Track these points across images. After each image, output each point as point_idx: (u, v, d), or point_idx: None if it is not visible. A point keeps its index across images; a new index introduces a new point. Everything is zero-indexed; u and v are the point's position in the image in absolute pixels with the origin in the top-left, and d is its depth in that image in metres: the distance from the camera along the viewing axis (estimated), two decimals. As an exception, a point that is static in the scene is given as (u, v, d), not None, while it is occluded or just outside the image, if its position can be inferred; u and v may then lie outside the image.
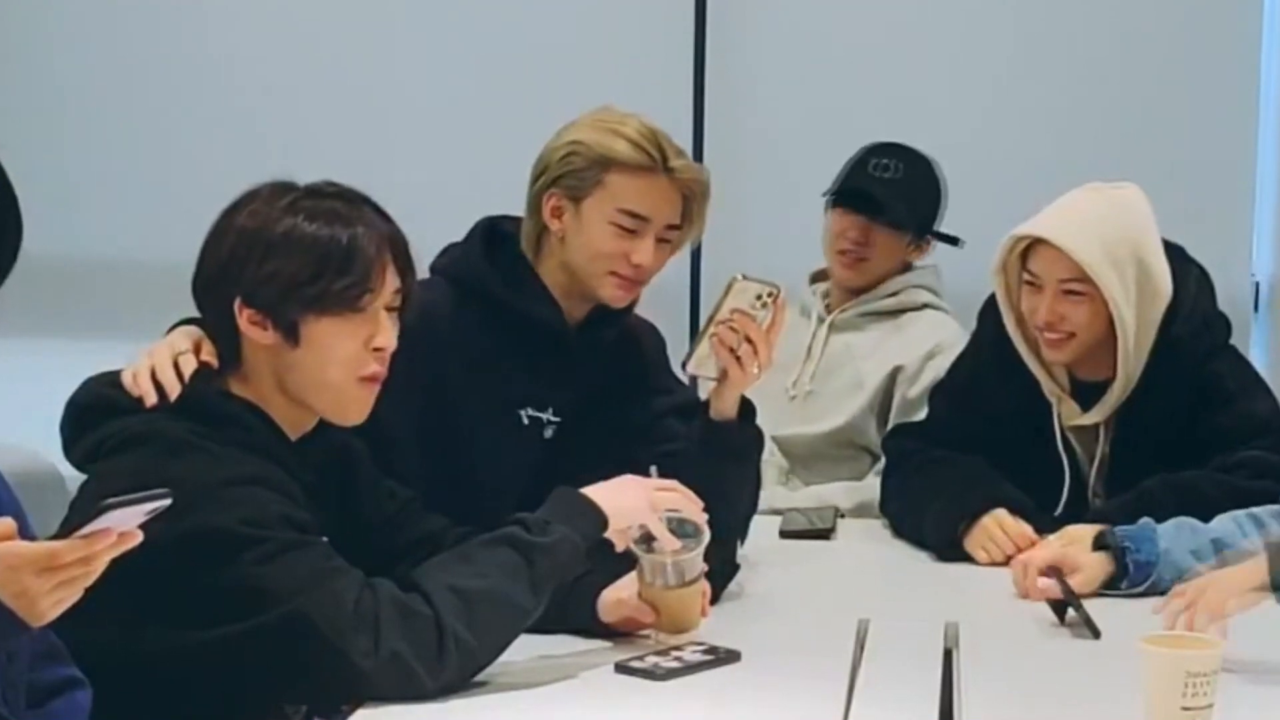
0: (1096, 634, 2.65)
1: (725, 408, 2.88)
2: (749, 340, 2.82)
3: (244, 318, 2.36)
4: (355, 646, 2.25)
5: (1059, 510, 3.21)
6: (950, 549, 3.14)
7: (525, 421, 2.96)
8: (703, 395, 3.02)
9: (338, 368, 2.38)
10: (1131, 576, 2.87)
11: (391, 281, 2.40)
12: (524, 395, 2.95)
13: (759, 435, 2.96)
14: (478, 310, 2.94)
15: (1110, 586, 2.87)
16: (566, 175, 2.92)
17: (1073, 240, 3.10)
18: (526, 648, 2.43)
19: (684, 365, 2.89)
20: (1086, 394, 3.23)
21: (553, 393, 2.97)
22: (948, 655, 2.55)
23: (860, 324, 3.84)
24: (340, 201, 2.39)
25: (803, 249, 4.70)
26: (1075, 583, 2.78)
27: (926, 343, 3.73)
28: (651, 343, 3.13)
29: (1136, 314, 3.14)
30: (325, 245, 2.34)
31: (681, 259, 4.65)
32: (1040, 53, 4.76)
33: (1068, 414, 3.24)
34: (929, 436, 3.40)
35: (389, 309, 2.41)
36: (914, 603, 2.91)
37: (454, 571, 2.38)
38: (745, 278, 2.82)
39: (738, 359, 2.82)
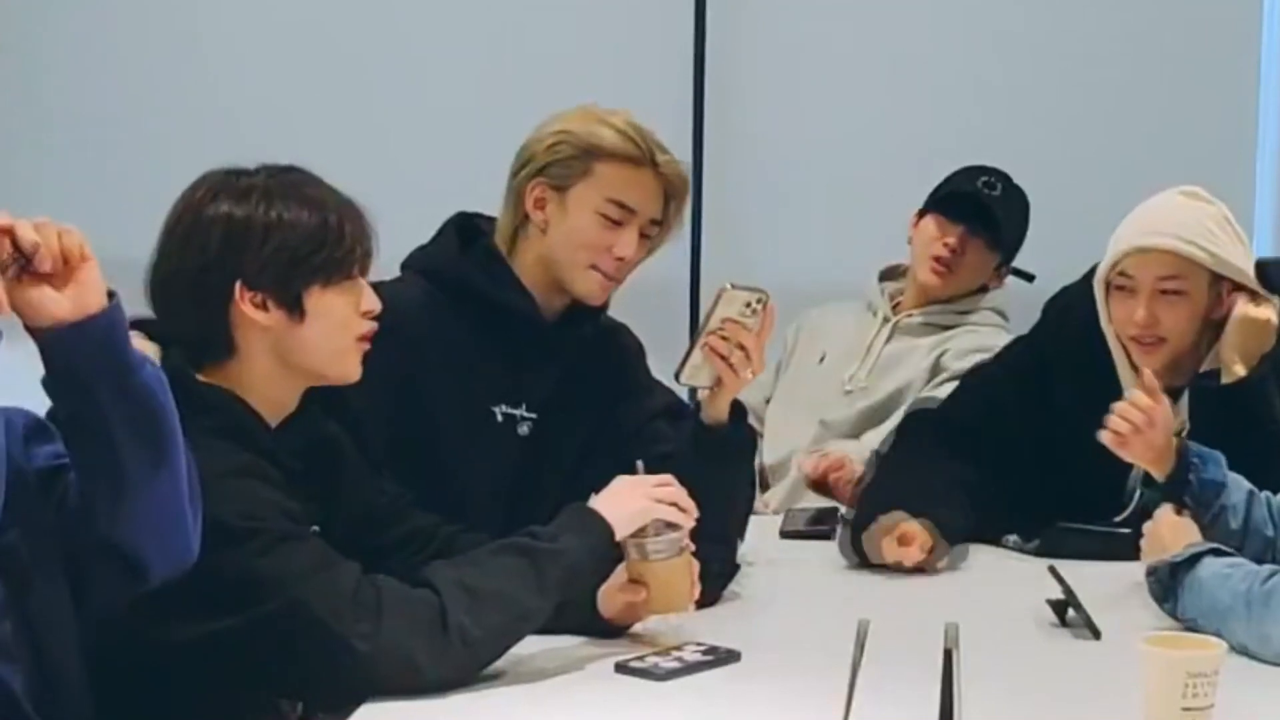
0: (1096, 634, 2.65)
1: (718, 412, 2.88)
2: (741, 347, 2.82)
3: (245, 301, 2.37)
4: (355, 631, 2.26)
5: (1124, 515, 3.20)
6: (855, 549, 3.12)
7: (499, 419, 2.95)
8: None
9: (341, 334, 2.43)
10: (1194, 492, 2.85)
11: (366, 245, 2.45)
12: (497, 391, 2.94)
13: (752, 436, 2.97)
14: (451, 304, 2.93)
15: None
16: (553, 164, 2.92)
17: (1177, 240, 3.08)
18: (527, 647, 2.43)
19: (677, 376, 2.89)
20: None
21: (526, 387, 2.96)
22: (948, 655, 2.54)
23: (922, 331, 3.85)
24: (300, 175, 2.44)
25: (801, 248, 4.72)
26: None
27: (976, 341, 3.73)
28: (627, 342, 3.13)
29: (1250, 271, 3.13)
30: (320, 217, 2.39)
31: (681, 259, 4.71)
32: (1038, 53, 4.76)
33: None
34: (947, 427, 3.34)
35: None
36: (914, 603, 2.91)
37: (462, 570, 2.40)
38: (734, 286, 2.84)
39: (731, 366, 2.83)
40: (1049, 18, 4.76)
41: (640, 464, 2.62)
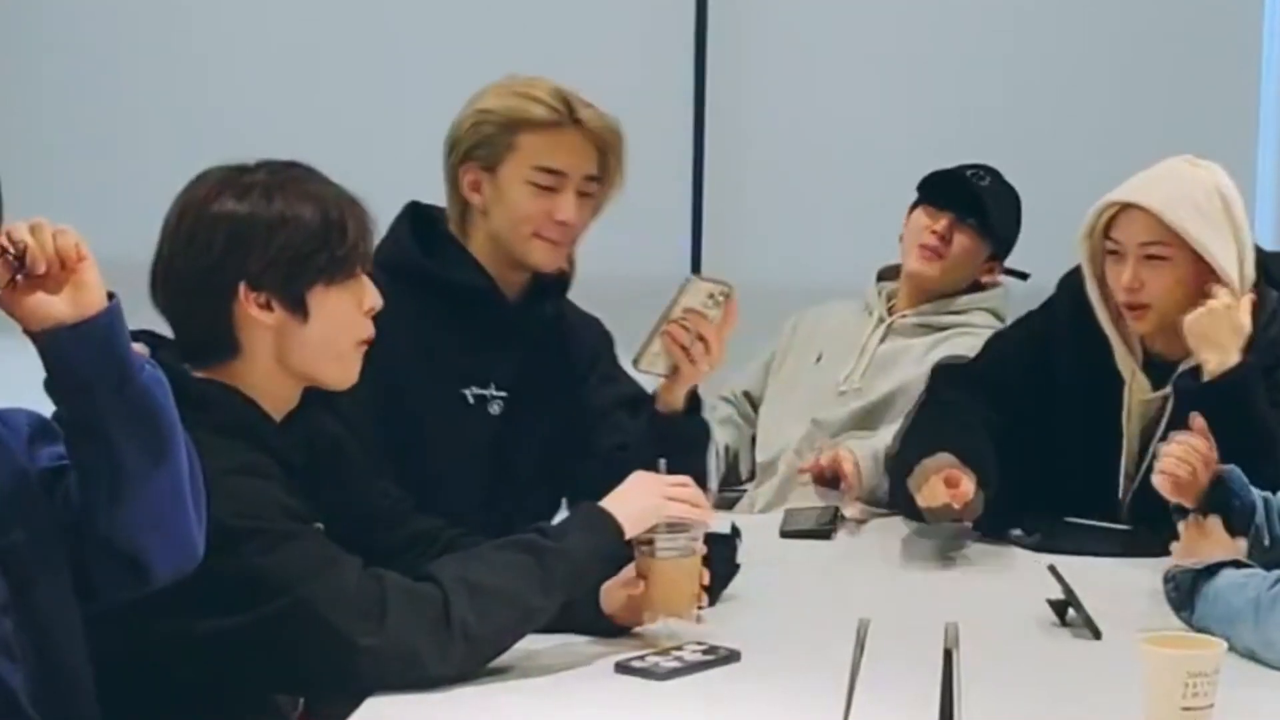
0: (1097, 634, 2.65)
1: (674, 401, 2.92)
2: (701, 338, 2.83)
3: (249, 302, 2.36)
4: (359, 628, 2.27)
5: (1123, 494, 3.23)
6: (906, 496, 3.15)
7: (470, 401, 2.97)
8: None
9: (344, 335, 2.43)
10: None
11: (367, 243, 2.44)
12: (465, 374, 2.97)
13: (705, 428, 2.99)
14: (412, 294, 2.93)
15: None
16: (478, 145, 2.95)
17: (1156, 200, 3.10)
18: (528, 645, 2.43)
19: (635, 362, 2.91)
20: (1158, 372, 3.21)
21: (493, 366, 2.98)
22: (948, 655, 2.54)
23: (916, 331, 3.85)
24: (301, 170, 2.43)
25: (802, 247, 4.72)
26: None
27: (971, 344, 3.73)
28: (597, 330, 3.16)
29: (1238, 265, 3.12)
30: (323, 214, 2.38)
31: (681, 257, 4.71)
32: (1039, 52, 4.76)
33: (1138, 389, 3.21)
34: (975, 384, 3.38)
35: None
36: (914, 603, 2.91)
37: (466, 566, 2.41)
38: (699, 277, 2.86)
39: (689, 357, 2.84)
40: (1050, 19, 4.76)
41: (663, 463, 2.62)
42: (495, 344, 2.97)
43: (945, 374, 3.49)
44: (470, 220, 2.99)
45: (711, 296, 2.85)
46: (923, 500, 3.07)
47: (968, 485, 3.04)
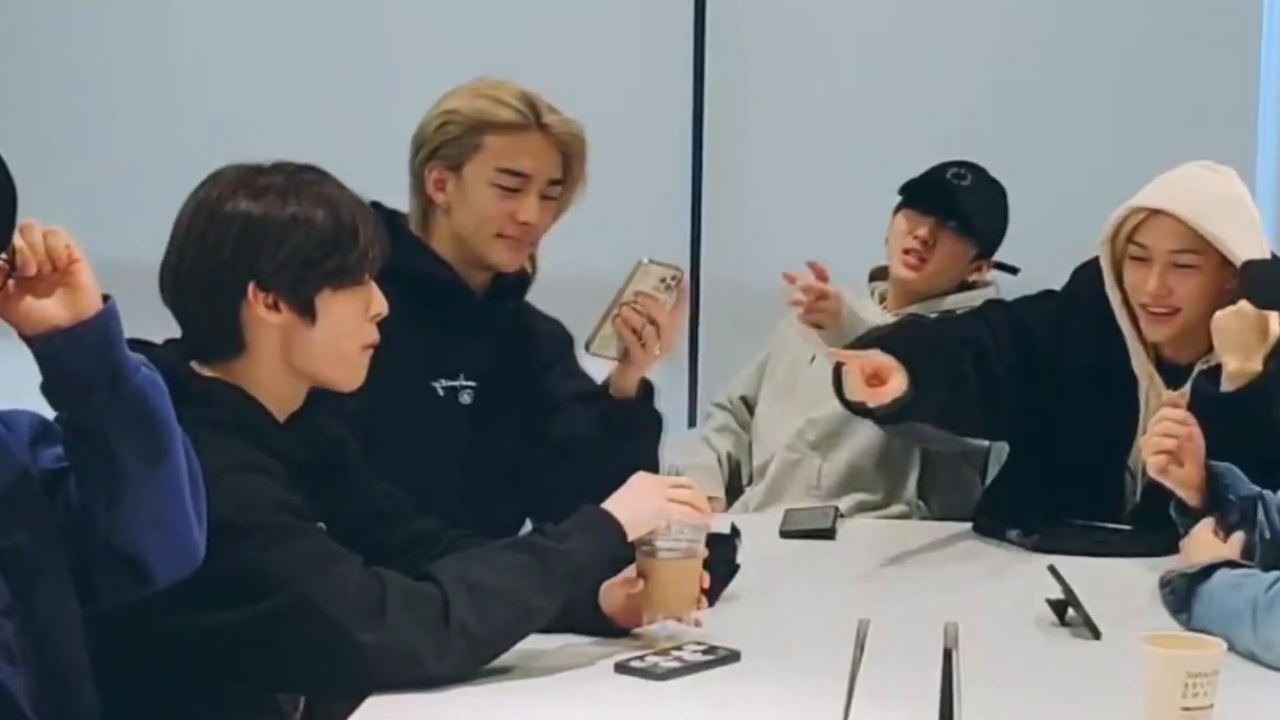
0: (1096, 634, 2.65)
1: (626, 386, 2.95)
2: (653, 322, 2.84)
3: (258, 302, 2.37)
4: (359, 626, 2.28)
5: (1133, 493, 3.22)
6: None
7: (440, 393, 2.99)
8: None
9: (349, 339, 2.44)
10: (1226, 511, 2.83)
11: (377, 249, 2.45)
12: (434, 367, 2.99)
13: (657, 416, 3.00)
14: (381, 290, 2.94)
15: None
16: (444, 145, 2.98)
17: (1187, 207, 3.10)
18: (528, 646, 2.43)
19: (586, 346, 2.93)
20: (1167, 376, 3.21)
21: (462, 359, 3.00)
22: (948, 655, 2.54)
23: None
24: (316, 174, 2.44)
25: (802, 246, 4.71)
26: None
27: None
28: (558, 332, 3.18)
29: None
30: (335, 220, 2.39)
31: (681, 256, 4.71)
32: (1039, 52, 4.76)
33: (1154, 393, 3.20)
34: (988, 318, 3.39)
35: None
36: (914, 603, 2.91)
37: (467, 566, 2.41)
38: (650, 261, 2.88)
39: (640, 341, 2.85)
40: (1049, 19, 4.76)
41: (671, 464, 2.62)
42: (461, 336, 3.00)
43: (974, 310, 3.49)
44: (433, 219, 3.02)
45: (663, 280, 2.88)
46: (848, 393, 3.11)
47: (896, 382, 3.03)
